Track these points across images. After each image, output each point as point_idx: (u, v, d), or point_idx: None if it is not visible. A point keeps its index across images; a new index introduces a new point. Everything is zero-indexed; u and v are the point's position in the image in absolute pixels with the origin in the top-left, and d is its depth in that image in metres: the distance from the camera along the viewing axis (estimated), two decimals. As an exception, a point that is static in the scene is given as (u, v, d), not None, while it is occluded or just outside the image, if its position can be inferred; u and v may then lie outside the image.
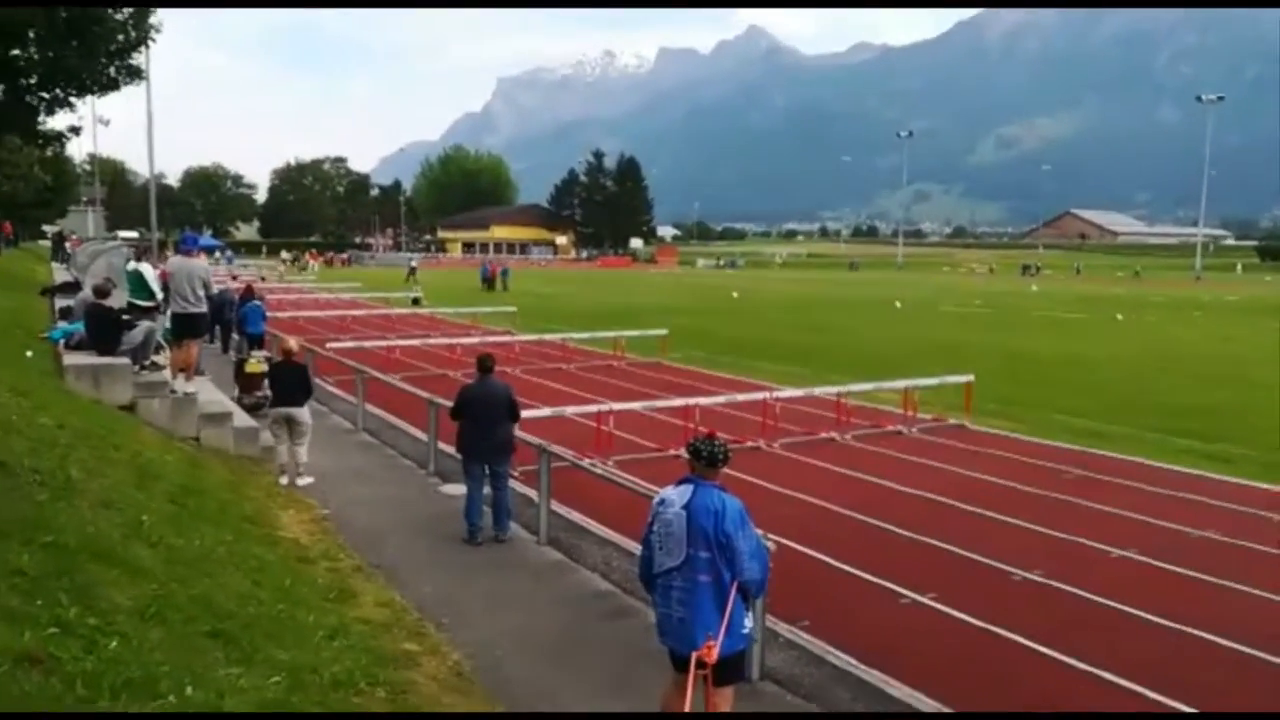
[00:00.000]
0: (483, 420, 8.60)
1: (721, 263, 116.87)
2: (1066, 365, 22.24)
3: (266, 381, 11.99)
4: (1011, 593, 7.54)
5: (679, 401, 13.39)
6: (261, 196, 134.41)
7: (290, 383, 10.27)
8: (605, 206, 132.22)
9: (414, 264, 59.53)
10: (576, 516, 9.18)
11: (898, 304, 44.74)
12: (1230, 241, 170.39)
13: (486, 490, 8.73)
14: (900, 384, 14.89)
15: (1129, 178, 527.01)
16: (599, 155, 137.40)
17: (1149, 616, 6.99)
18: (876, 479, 11.14)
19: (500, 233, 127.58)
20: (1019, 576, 7.85)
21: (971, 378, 15.18)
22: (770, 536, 5.87)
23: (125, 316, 11.76)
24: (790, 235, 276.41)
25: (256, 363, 14.36)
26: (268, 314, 19.20)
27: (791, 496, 10.28)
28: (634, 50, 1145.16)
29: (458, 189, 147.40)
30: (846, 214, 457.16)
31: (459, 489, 8.89)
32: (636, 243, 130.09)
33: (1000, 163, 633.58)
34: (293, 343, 10.71)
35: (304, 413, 10.23)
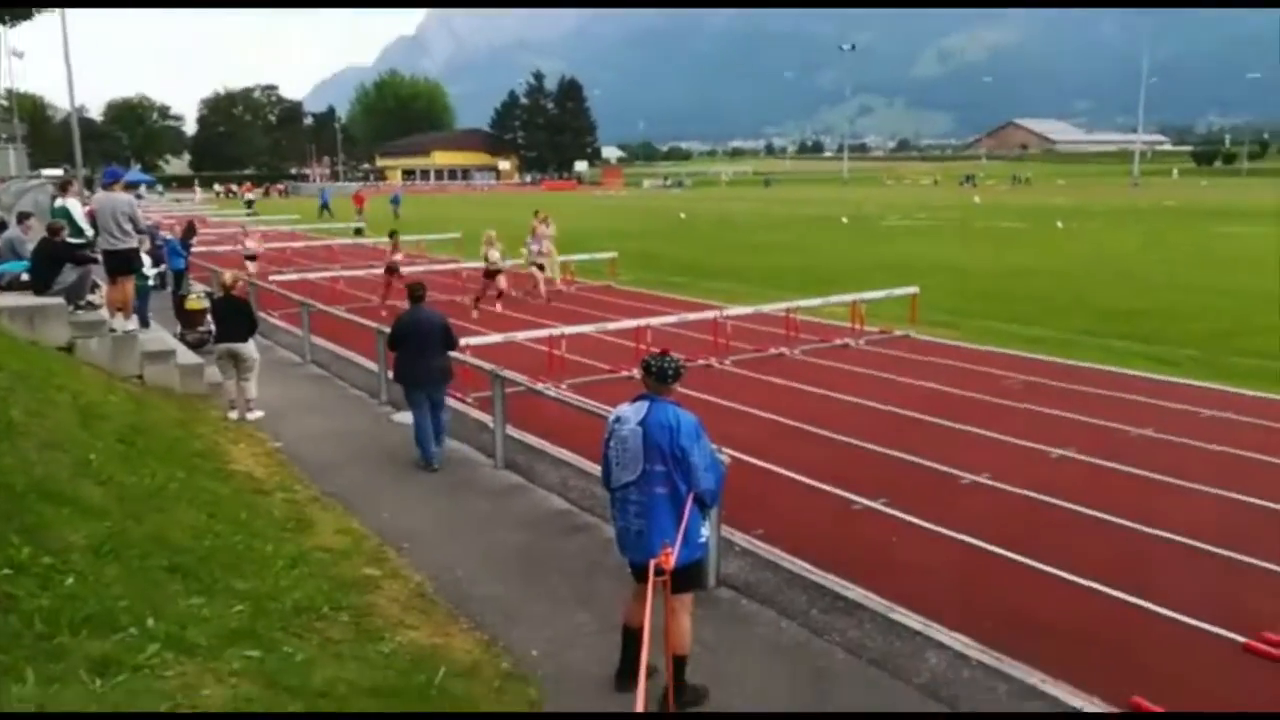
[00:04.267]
0: (417, 349, 8.63)
1: (668, 183, 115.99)
2: (1008, 275, 22.66)
3: (209, 317, 11.71)
4: (960, 496, 7.79)
5: (630, 323, 13.40)
6: (191, 129, 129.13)
7: (233, 318, 10.05)
8: (547, 129, 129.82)
9: (327, 200, 54.94)
10: (532, 440, 9.23)
11: (844, 219, 44.97)
12: (1167, 147, 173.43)
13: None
14: (847, 298, 15.07)
15: (1070, 87, 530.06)
16: (539, 77, 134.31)
17: (1091, 512, 7.28)
18: (826, 391, 11.34)
19: (441, 159, 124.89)
20: (967, 480, 8.11)
21: (916, 290, 15.44)
22: (724, 450, 5.98)
23: (84, 250, 11.40)
24: (736, 154, 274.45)
25: (197, 299, 14.02)
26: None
27: (744, 411, 10.43)
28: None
29: (395, 115, 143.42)
30: (791, 130, 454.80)
31: (411, 417, 8.87)
32: (581, 165, 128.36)
33: (943, 75, 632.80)
34: (229, 276, 10.43)
35: (249, 348, 10.04)
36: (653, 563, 4.29)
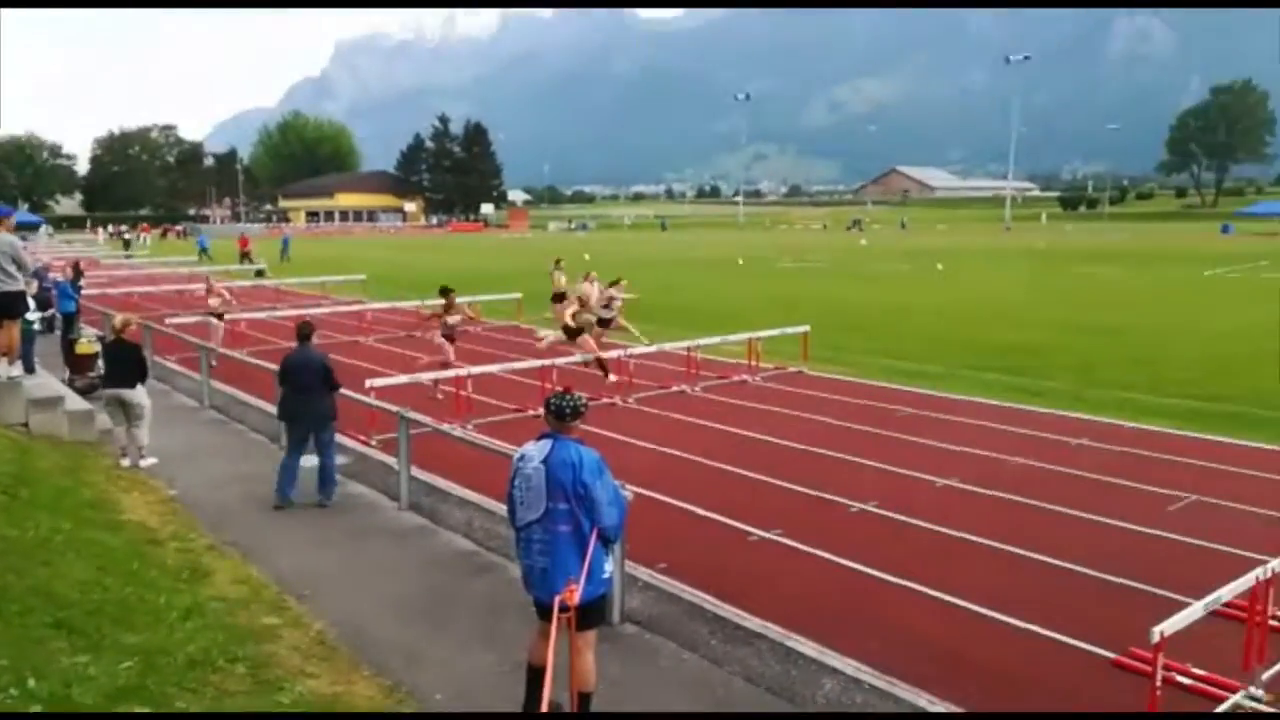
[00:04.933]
0: (301, 389, 8.66)
1: (573, 225, 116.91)
2: (893, 313, 23.72)
3: (100, 362, 11.29)
4: (849, 524, 8.14)
5: (536, 362, 13.52)
6: (84, 168, 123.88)
7: (123, 363, 9.73)
8: (454, 172, 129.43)
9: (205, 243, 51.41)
10: (437, 481, 9.20)
11: (740, 261, 46.15)
12: (1036, 193, 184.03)
13: (312, 461, 8.77)
14: (744, 336, 15.55)
15: (946, 136, 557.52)
16: (445, 120, 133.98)
17: (973, 538, 7.71)
18: (725, 426, 11.66)
19: (346, 200, 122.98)
20: (855, 508, 8.48)
21: (808, 328, 16.06)
22: (628, 486, 6.14)
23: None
24: (638, 198, 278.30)
25: (88, 343, 13.49)
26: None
27: (647, 447, 10.64)
28: (475, 16, 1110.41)
29: (299, 157, 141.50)
30: (690, 175, 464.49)
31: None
32: (488, 208, 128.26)
33: (831, 124, 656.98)
34: (120, 319, 10.10)
35: (138, 394, 9.72)
36: (556, 600, 4.39)
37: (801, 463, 10.03)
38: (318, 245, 62.51)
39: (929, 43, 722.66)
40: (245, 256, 42.91)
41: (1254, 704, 5.11)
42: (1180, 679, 5.22)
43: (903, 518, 8.21)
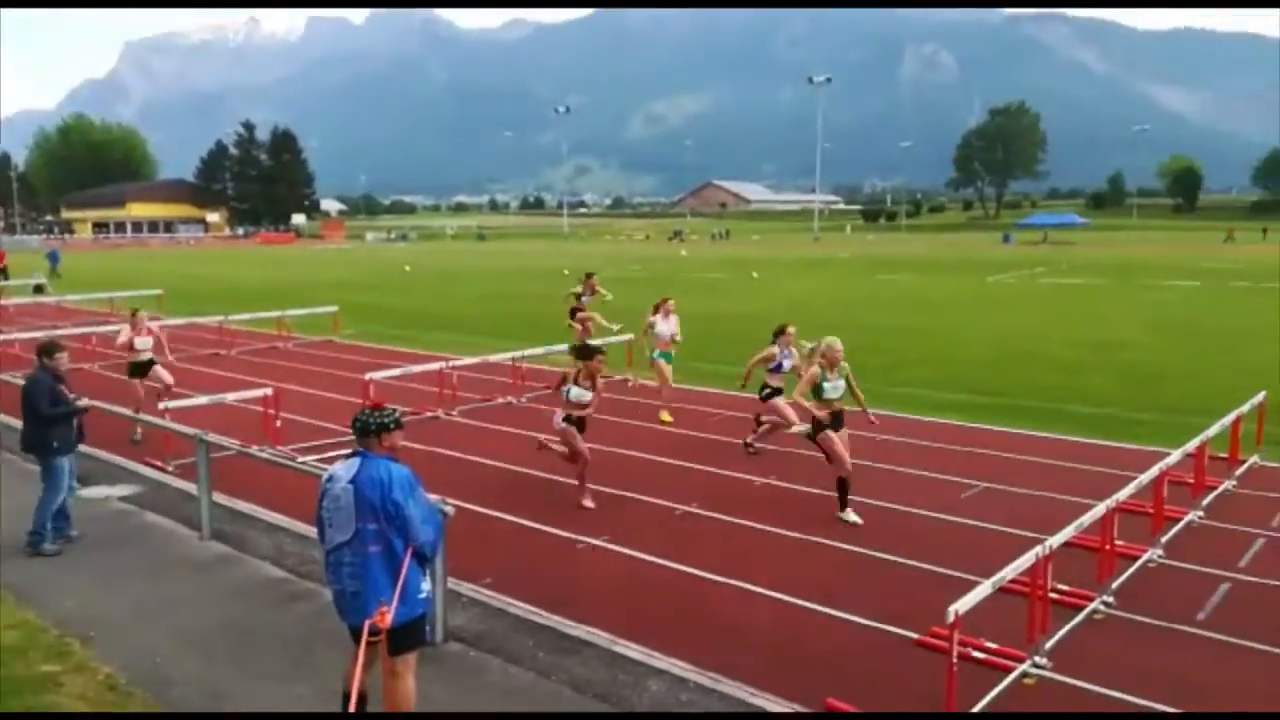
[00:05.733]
0: (26, 416, 7.87)
1: (392, 236, 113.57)
2: (712, 320, 24.42)
3: None
4: (675, 526, 8.28)
5: (353, 377, 12.98)
6: None
7: None
8: (261, 181, 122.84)
9: None
10: (242, 506, 8.64)
11: (565, 271, 46.27)
12: (841, 206, 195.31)
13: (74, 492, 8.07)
14: (569, 346, 15.53)
15: (758, 151, 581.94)
16: (250, 126, 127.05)
17: (789, 533, 8.01)
18: (553, 436, 11.57)
19: (139, 210, 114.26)
20: (680, 510, 8.63)
21: (631, 336, 16.23)
22: (450, 501, 5.98)
23: None
24: (460, 208, 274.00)
25: None
26: None
27: (472, 461, 10.42)
28: (281, 18, 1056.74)
29: (83, 163, 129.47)
30: (514, 187, 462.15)
31: (100, 491, 7.99)
32: (299, 218, 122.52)
33: (650, 138, 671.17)
34: None
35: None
36: (367, 623, 4.20)
37: (629, 467, 10.13)
38: (106, 259, 57.59)
39: (740, 62, 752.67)
40: (1, 272, 38.99)
41: (1038, 671, 5.56)
42: (975, 654, 5.60)
43: (725, 517, 8.43)
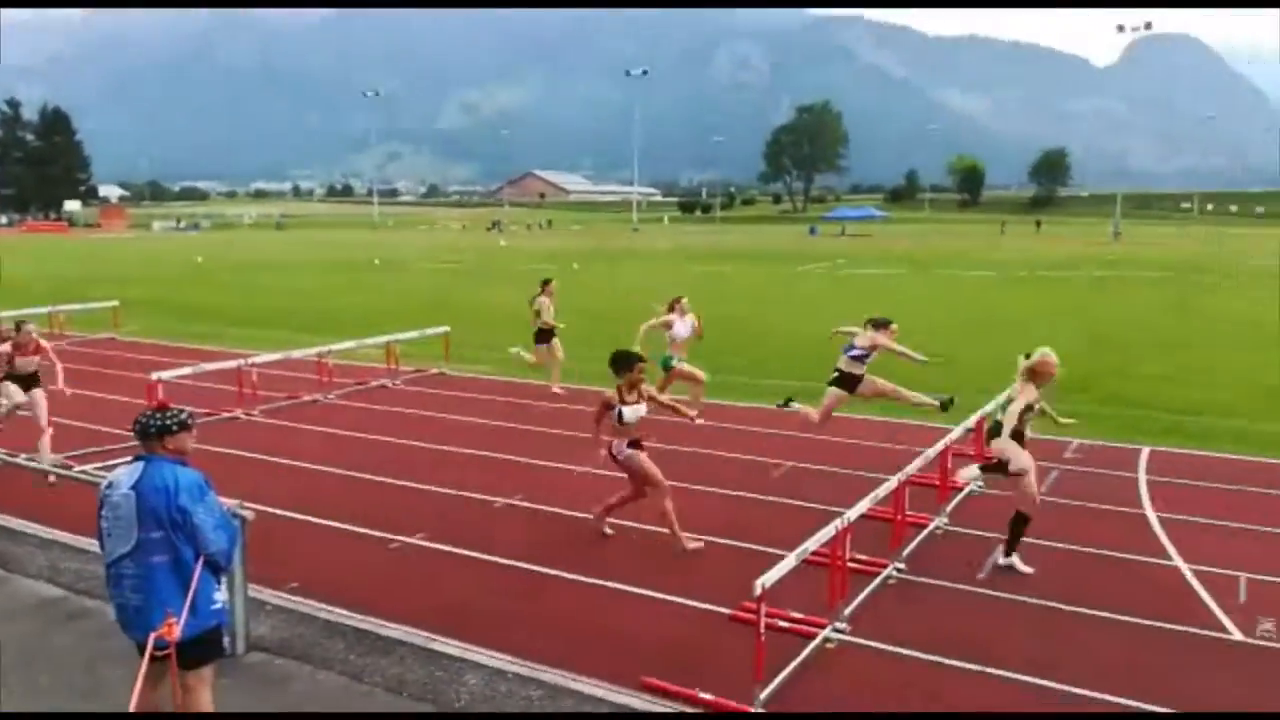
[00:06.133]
0: None
1: (181, 225, 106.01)
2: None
3: None
4: (495, 520, 8.18)
5: (138, 378, 11.99)
6: None
7: None
8: (29, 163, 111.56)
9: None
10: (10, 521, 7.81)
11: (377, 261, 44.80)
12: (658, 198, 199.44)
13: None
14: (382, 339, 15.05)
15: (576, 142, 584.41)
16: (15, 104, 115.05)
17: (612, 520, 8.08)
18: (364, 434, 11.20)
19: None
20: (500, 504, 8.54)
21: (448, 329, 15.93)
22: (249, 505, 5.65)
23: None
24: (260, 195, 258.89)
25: None
26: None
27: (276, 462, 9.89)
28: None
29: None
30: (319, 173, 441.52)
31: None
32: (74, 205, 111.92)
33: (466, 126, 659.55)
34: None
35: None
36: (152, 637, 3.90)
37: (445, 463, 9.92)
38: None
39: (558, 54, 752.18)
40: None
41: (838, 636, 5.89)
42: (781, 624, 5.87)
43: (547, 508, 8.42)
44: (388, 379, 14.45)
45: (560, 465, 9.80)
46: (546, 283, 13.98)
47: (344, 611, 6.23)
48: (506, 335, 19.62)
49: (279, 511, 7.88)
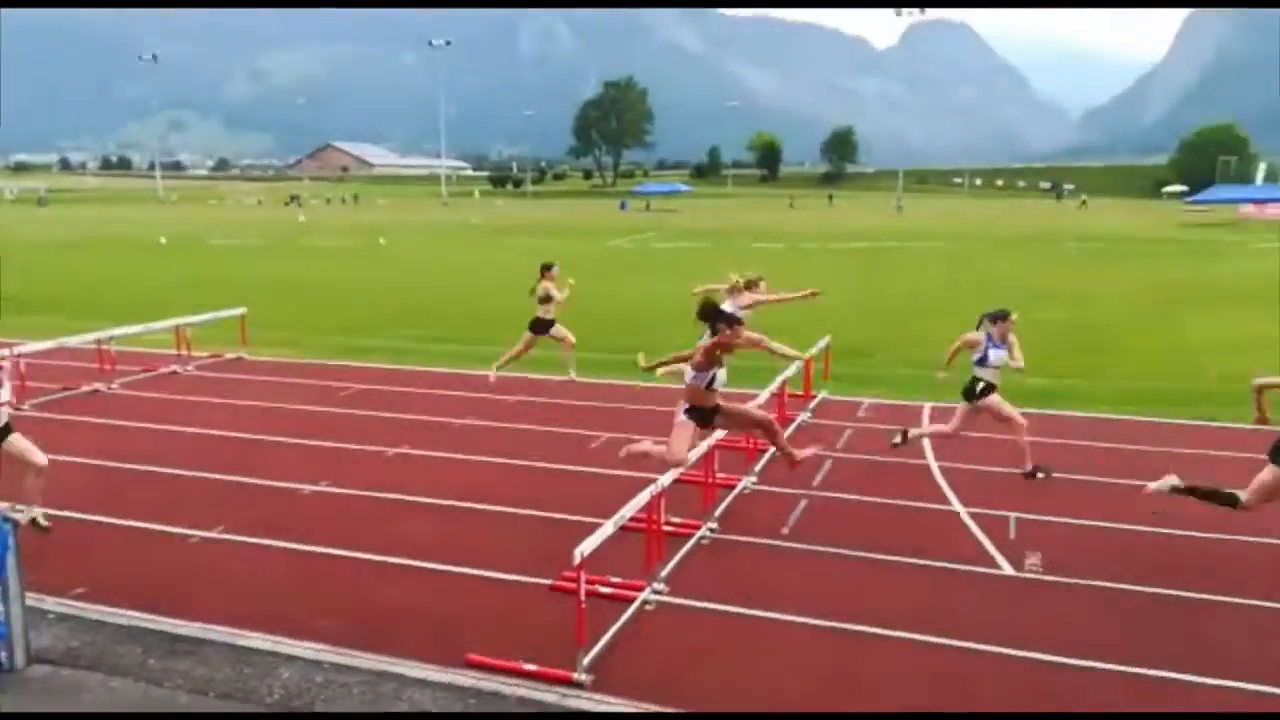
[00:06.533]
0: None
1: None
2: (337, 290, 23.42)
3: None
4: (302, 507, 7.86)
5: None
6: None
7: None
8: None
9: None
10: None
11: (163, 240, 41.55)
12: (469, 172, 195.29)
13: None
14: (170, 323, 14.00)
15: (381, 114, 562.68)
16: None
17: (423, 500, 7.97)
18: (153, 425, 10.44)
19: None
20: (308, 490, 8.22)
21: (244, 310, 15.03)
22: (20, 507, 5.17)
23: None
24: (21, 168, 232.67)
25: None
26: None
27: (52, 459, 9.02)
28: None
29: None
30: (91, 144, 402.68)
31: None
32: None
33: (257, 95, 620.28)
34: None
35: None
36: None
37: (247, 452, 9.41)
38: None
39: (356, 22, 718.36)
40: None
41: (656, 597, 6.11)
42: (602, 590, 6.01)
43: (356, 492, 8.18)
44: (179, 365, 13.50)
45: (371, 448, 9.53)
46: (548, 267, 12.35)
47: (138, 614, 5.83)
48: (311, 316, 18.82)
49: (59, 512, 7.26)
